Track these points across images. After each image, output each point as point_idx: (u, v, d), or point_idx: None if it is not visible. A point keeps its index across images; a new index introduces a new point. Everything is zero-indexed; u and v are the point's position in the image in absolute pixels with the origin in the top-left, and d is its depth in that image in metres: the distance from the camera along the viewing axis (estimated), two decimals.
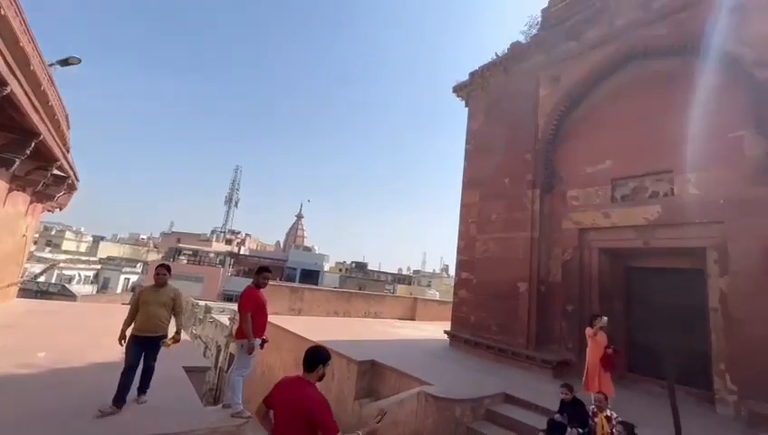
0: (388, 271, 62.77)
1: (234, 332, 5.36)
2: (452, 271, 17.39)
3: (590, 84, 8.95)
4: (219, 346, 15.13)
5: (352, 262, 61.05)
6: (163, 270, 4.68)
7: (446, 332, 10.70)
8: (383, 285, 44.12)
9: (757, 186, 6.33)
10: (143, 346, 4.47)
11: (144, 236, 68.54)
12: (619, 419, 4.00)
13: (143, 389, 4.62)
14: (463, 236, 11.06)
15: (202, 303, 21.55)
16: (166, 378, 5.24)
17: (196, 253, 40.42)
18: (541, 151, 9.38)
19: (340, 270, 56.94)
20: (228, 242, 51.24)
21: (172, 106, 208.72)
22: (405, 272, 68.39)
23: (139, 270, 42.26)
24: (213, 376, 13.78)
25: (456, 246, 11.12)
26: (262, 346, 4.89)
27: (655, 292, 7.98)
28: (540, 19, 10.76)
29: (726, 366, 6.36)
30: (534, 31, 10.76)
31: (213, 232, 57.44)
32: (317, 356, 2.55)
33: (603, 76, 8.73)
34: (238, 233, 59.40)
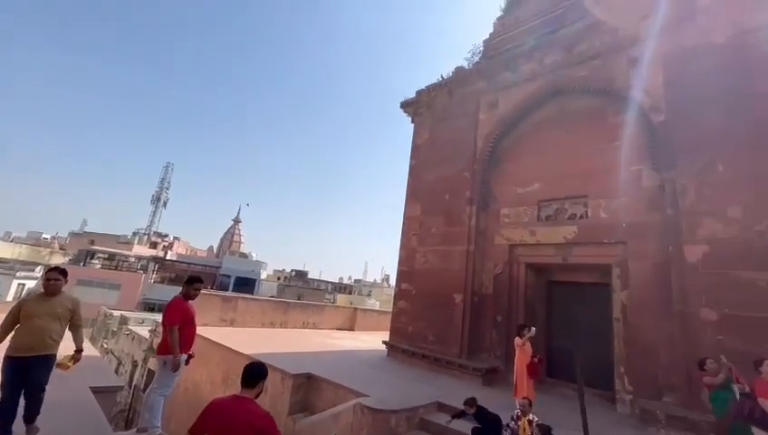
0: (329, 280, 61.90)
1: (155, 346, 4.88)
2: (393, 281, 17.67)
3: (523, 113, 9.82)
4: (136, 362, 13.64)
5: (292, 270, 59.18)
6: (56, 274, 3.85)
7: (384, 342, 10.80)
8: (323, 295, 43.32)
9: (650, 213, 7.41)
10: (24, 370, 3.57)
11: (47, 236, 59.70)
12: (539, 422, 4.38)
13: (31, 418, 3.74)
14: (404, 247, 11.34)
15: (117, 313, 19.33)
16: (67, 401, 4.61)
17: (112, 256, 36.22)
18: (478, 170, 10.04)
19: (279, 278, 54.84)
20: (153, 245, 46.78)
21: (91, 92, 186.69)
22: (346, 281, 67.90)
23: (39, 274, 36.62)
24: (126, 396, 12.35)
25: (397, 257, 11.36)
26: (187, 362, 4.54)
27: (571, 303, 8.88)
28: (482, 48, 11.62)
29: (625, 369, 7.25)
30: (477, 59, 11.58)
31: (135, 234, 52.06)
32: (259, 371, 2.45)
33: (534, 106, 9.65)
34: (165, 236, 54.55)
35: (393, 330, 10.80)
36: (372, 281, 70.12)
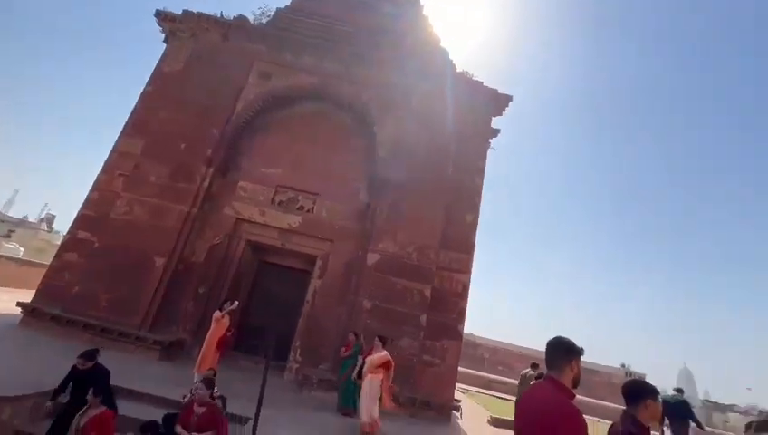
0: None
1: None
2: (60, 225, 13.06)
3: (288, 97, 10.03)
4: None
5: None
6: None
7: (20, 304, 7.72)
8: None
9: (356, 222, 9.35)
10: None
11: None
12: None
13: None
14: (100, 186, 8.74)
15: None
16: None
17: None
18: (229, 133, 9.29)
19: None
20: None
21: None
22: None
23: None
24: None
25: (85, 197, 8.58)
26: None
27: (276, 284, 9.67)
28: (272, 13, 11.04)
29: (300, 343, 8.59)
30: (264, 20, 10.86)
31: None
32: None
33: (302, 97, 10.07)
34: None
35: (46, 289, 7.96)
36: (21, 218, 48.97)
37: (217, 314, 6.17)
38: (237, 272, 9.16)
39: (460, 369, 10.82)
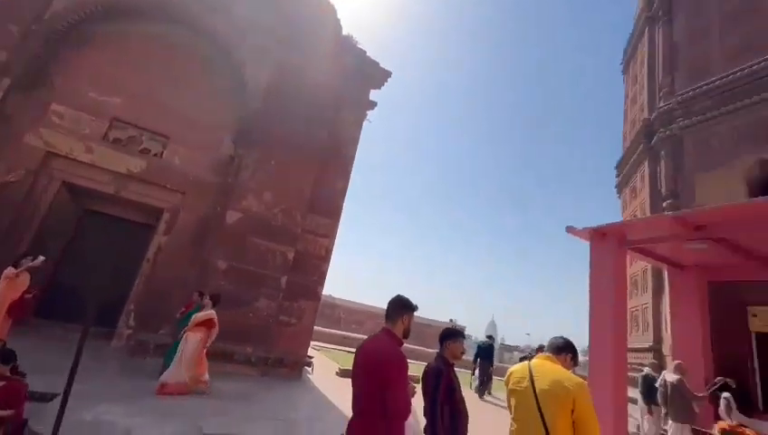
0: None
1: None
2: None
3: (134, 10, 8.09)
4: None
5: None
6: None
7: None
8: None
9: (215, 175, 8.44)
10: None
11: None
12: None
13: None
14: None
15: None
16: None
17: None
18: (38, 35, 6.97)
19: None
20: None
21: None
22: None
23: None
24: None
25: None
26: None
27: (108, 239, 8.07)
28: None
29: (135, 306, 7.51)
30: None
31: None
32: None
33: (149, 12, 8.22)
34: None
35: None
36: None
37: (10, 271, 4.83)
38: (46, 221, 7.24)
39: (317, 328, 11.34)
